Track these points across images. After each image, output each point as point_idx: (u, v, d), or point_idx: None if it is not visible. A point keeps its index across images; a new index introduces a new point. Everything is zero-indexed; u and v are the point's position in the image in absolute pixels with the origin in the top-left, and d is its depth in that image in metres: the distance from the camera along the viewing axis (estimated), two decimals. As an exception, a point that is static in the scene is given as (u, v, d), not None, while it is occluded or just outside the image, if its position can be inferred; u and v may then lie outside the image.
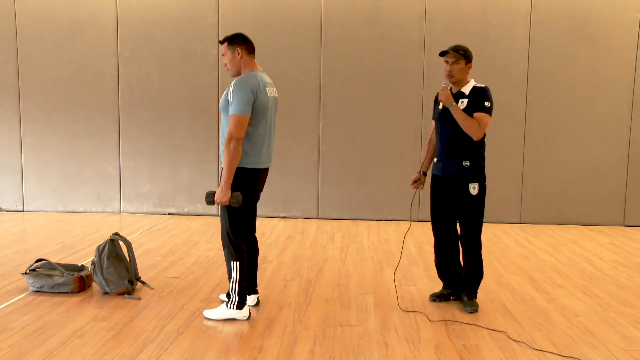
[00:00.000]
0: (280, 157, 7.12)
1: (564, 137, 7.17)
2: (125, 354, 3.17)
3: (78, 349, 3.23)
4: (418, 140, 7.21)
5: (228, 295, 3.73)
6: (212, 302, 4.06)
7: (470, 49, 3.95)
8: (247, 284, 3.81)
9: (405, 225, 7.02)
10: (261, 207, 6.81)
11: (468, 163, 3.90)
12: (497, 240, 6.32)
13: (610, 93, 7.10)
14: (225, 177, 3.50)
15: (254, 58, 3.74)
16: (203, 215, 7.41)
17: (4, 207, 7.55)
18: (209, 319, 3.72)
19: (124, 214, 7.49)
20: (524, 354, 3.28)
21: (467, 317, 3.85)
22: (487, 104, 3.85)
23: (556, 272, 5.06)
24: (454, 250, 4.15)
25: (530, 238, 6.46)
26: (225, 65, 3.71)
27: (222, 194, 3.51)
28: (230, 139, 3.47)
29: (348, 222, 7.21)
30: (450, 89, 3.93)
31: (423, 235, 6.32)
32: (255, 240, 3.94)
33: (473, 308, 3.95)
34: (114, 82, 7.35)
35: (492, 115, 3.92)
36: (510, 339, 3.49)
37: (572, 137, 7.17)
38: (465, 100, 3.87)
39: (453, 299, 4.20)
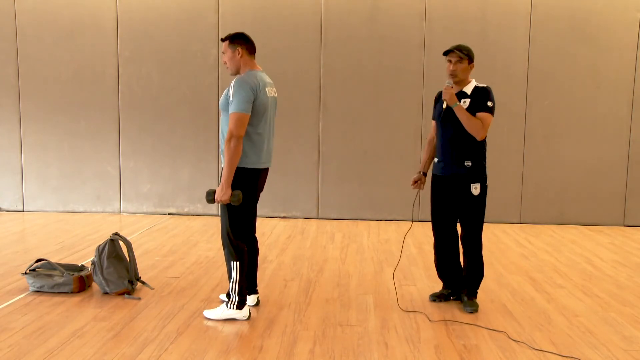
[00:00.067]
0: (280, 157, 7.12)
1: (564, 137, 7.17)
2: (125, 354, 3.17)
3: (78, 349, 3.23)
4: (418, 140, 7.21)
5: (228, 295, 3.73)
6: (212, 302, 4.06)
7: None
8: (247, 284, 3.81)
9: (405, 225, 7.02)
10: (261, 207, 6.82)
11: (470, 163, 3.90)
12: (497, 240, 6.32)
13: (610, 93, 7.10)
14: (226, 176, 3.50)
15: (254, 58, 3.74)
16: (203, 215, 7.41)
17: (4, 207, 7.55)
18: (209, 319, 3.72)
19: (124, 214, 7.49)
20: (524, 354, 3.28)
21: (467, 317, 3.85)
22: (489, 103, 3.85)
23: (556, 272, 5.06)
24: (454, 250, 4.15)
25: (530, 238, 6.46)
26: (225, 63, 3.71)
27: (223, 193, 3.52)
28: (230, 137, 3.48)
29: (348, 222, 7.21)
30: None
31: (423, 235, 6.32)
32: (255, 240, 3.94)
33: (473, 308, 3.95)
34: (114, 82, 7.35)
35: (493, 115, 3.93)
36: (510, 339, 3.49)
37: (572, 137, 7.17)
38: (468, 100, 3.87)
39: (453, 299, 4.20)
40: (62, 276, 4.17)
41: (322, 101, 7.25)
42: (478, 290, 4.11)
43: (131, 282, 4.22)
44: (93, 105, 7.38)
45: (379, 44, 7.15)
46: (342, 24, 7.15)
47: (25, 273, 4.25)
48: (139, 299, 4.11)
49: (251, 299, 3.96)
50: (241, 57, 3.66)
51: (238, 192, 3.52)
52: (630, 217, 7.23)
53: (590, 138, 7.16)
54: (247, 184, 3.63)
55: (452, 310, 4.00)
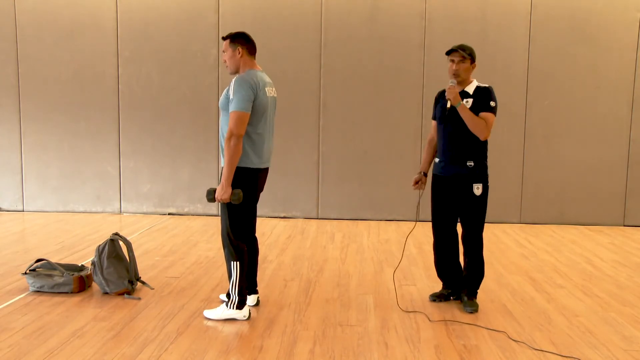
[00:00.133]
0: (280, 157, 7.12)
1: (564, 137, 7.17)
2: (125, 354, 3.17)
3: (78, 349, 3.23)
4: (418, 140, 7.21)
5: (228, 295, 3.73)
6: (212, 302, 4.06)
7: (472, 49, 3.96)
8: (247, 284, 3.81)
9: (405, 224, 7.03)
10: (261, 207, 6.82)
11: (472, 163, 3.90)
12: (497, 240, 6.32)
13: (610, 93, 7.10)
14: (226, 175, 3.50)
15: (255, 58, 3.74)
16: (203, 215, 7.41)
17: (4, 207, 7.55)
18: (209, 319, 3.72)
19: (124, 214, 7.49)
20: (524, 354, 3.28)
21: (467, 317, 3.85)
22: (492, 103, 3.85)
23: (556, 272, 5.06)
24: (454, 250, 4.15)
25: (530, 238, 6.46)
26: (225, 62, 3.72)
27: (223, 191, 3.51)
28: (230, 136, 3.47)
29: (348, 222, 7.21)
30: None
31: (423, 236, 6.32)
32: (255, 240, 3.94)
33: (473, 308, 3.95)
34: (114, 82, 7.35)
35: (496, 115, 3.93)
36: (510, 339, 3.49)
37: (572, 137, 7.17)
38: (471, 100, 3.87)
39: (453, 299, 4.20)
40: (62, 276, 4.17)
41: (322, 101, 7.25)
42: (478, 290, 4.11)
43: (131, 282, 4.22)
44: (93, 105, 7.38)
45: (379, 44, 7.15)
46: (342, 24, 7.15)
47: (25, 273, 4.25)
48: (139, 299, 4.11)
49: (251, 299, 3.96)
50: (241, 56, 3.66)
51: (238, 191, 3.52)
52: (630, 217, 7.23)
53: (590, 138, 7.16)
54: (247, 183, 3.63)
55: (452, 310, 4.00)
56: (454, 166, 3.94)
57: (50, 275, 4.19)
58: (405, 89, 7.18)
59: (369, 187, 7.32)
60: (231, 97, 3.53)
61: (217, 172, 7.31)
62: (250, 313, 3.79)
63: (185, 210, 7.46)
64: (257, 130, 3.62)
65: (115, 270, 4.15)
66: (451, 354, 3.26)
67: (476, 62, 3.96)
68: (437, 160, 4.09)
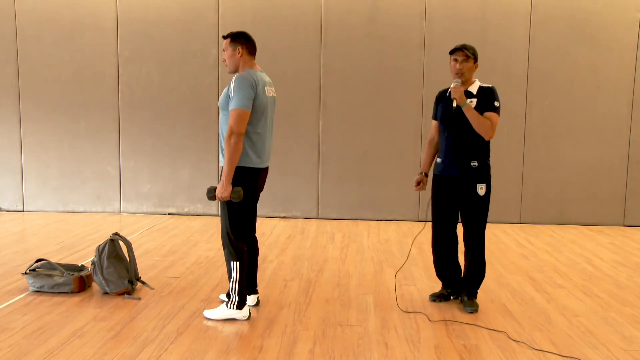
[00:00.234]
0: (280, 157, 7.12)
1: (564, 137, 7.17)
2: (125, 354, 3.17)
3: (78, 349, 3.23)
4: (418, 140, 7.21)
5: (228, 295, 3.73)
6: (212, 302, 4.06)
7: (472, 49, 3.96)
8: (247, 284, 3.81)
9: (405, 224, 7.03)
10: (261, 207, 6.83)
11: (476, 163, 3.90)
12: (497, 240, 6.32)
13: (610, 93, 7.10)
14: (226, 173, 3.50)
15: (254, 58, 3.74)
16: (203, 215, 7.41)
17: (4, 207, 7.56)
18: (209, 319, 3.72)
19: (124, 214, 7.49)
20: (524, 354, 3.28)
21: (467, 317, 3.85)
22: (496, 103, 3.86)
23: (556, 272, 5.06)
24: (453, 250, 4.14)
25: (530, 238, 6.46)
26: (224, 60, 3.72)
27: (223, 189, 3.51)
28: (230, 133, 3.47)
29: (348, 222, 7.21)
30: None
31: (423, 235, 6.30)
32: (255, 240, 3.94)
33: (473, 308, 3.95)
34: (114, 82, 7.35)
35: (499, 115, 3.93)
36: (510, 339, 3.49)
37: (572, 137, 7.17)
38: (475, 100, 3.87)
39: (453, 298, 4.20)
40: (62, 276, 4.17)
41: (322, 101, 7.25)
42: (478, 291, 4.10)
43: (131, 282, 4.22)
44: (93, 105, 7.38)
45: (379, 44, 7.15)
46: (342, 24, 7.15)
47: (25, 273, 4.25)
48: (139, 299, 4.11)
49: (251, 299, 3.96)
50: (241, 56, 3.66)
51: (239, 189, 3.52)
52: (630, 217, 7.23)
53: (590, 138, 7.16)
54: (248, 183, 3.63)
55: (452, 310, 4.00)
56: (457, 166, 3.92)
57: (50, 275, 4.19)
58: (405, 89, 7.18)
59: (369, 187, 7.32)
60: (232, 95, 3.52)
61: (217, 172, 7.31)
62: (250, 313, 3.79)
63: (185, 210, 7.46)
64: (257, 130, 3.62)
65: (115, 270, 4.15)
66: (451, 354, 3.26)
67: (478, 62, 3.97)
68: (438, 160, 4.08)
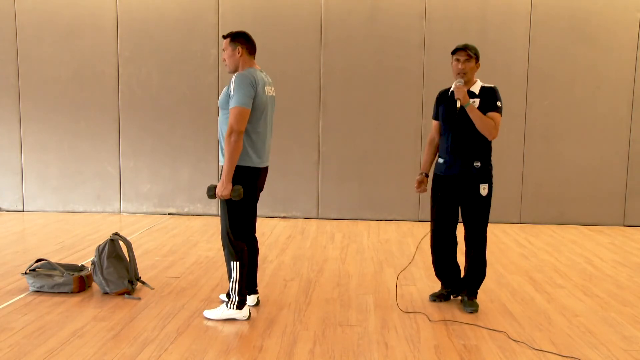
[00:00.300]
0: (280, 157, 7.12)
1: (564, 137, 7.17)
2: (125, 354, 3.17)
3: (78, 349, 3.23)
4: (418, 140, 7.21)
5: (228, 295, 3.73)
6: (212, 302, 4.06)
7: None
8: (247, 284, 3.81)
9: (405, 225, 7.03)
10: (261, 207, 6.82)
11: (479, 164, 3.89)
12: (497, 240, 6.32)
13: (610, 93, 7.10)
14: (226, 171, 3.50)
15: (254, 58, 3.74)
16: (203, 215, 7.41)
17: (4, 207, 7.56)
18: (209, 319, 3.72)
19: (124, 214, 7.49)
20: (524, 354, 3.28)
21: (467, 317, 3.85)
22: (499, 103, 3.85)
23: (556, 272, 5.06)
24: (452, 250, 4.14)
25: (530, 238, 6.46)
26: (224, 60, 3.72)
27: (223, 188, 3.51)
28: (231, 131, 3.47)
29: (348, 222, 7.21)
30: None
31: (423, 235, 6.31)
32: (255, 240, 3.94)
33: (473, 308, 3.95)
34: (114, 82, 7.35)
35: (502, 115, 3.92)
36: (510, 339, 3.49)
37: (572, 137, 7.17)
38: (477, 100, 3.86)
39: (453, 297, 4.20)
40: (62, 276, 4.17)
41: (322, 101, 7.25)
42: (478, 291, 4.10)
43: (131, 282, 4.22)
44: (93, 105, 7.38)
45: (379, 44, 7.15)
46: (342, 24, 7.15)
47: (25, 273, 4.25)
48: (139, 299, 4.11)
49: (251, 299, 3.96)
50: (241, 56, 3.66)
51: (239, 187, 3.52)
52: (630, 217, 7.23)
53: (590, 138, 7.16)
54: (248, 183, 3.63)
55: (452, 310, 4.00)
56: (460, 166, 3.91)
57: (50, 275, 4.19)
58: (405, 89, 7.18)
59: (369, 187, 7.32)
60: (232, 93, 3.52)
61: (216, 172, 7.31)
62: (250, 313, 3.79)
63: (185, 210, 7.46)
64: (257, 130, 3.62)
65: (115, 270, 4.15)
66: (451, 354, 3.26)
67: (479, 62, 3.97)
68: (440, 160, 4.06)
